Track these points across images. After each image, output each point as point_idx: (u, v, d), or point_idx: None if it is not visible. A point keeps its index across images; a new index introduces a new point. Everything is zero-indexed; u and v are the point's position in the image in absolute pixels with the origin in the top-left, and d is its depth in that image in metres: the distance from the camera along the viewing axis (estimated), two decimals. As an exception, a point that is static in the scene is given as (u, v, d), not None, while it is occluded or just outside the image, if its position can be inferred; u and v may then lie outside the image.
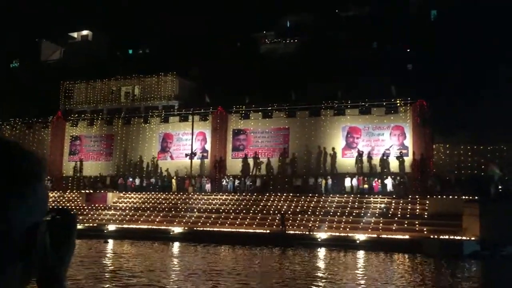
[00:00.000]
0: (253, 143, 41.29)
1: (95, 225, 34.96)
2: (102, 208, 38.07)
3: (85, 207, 38.58)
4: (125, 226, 33.62)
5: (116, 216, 36.18)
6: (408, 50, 52.05)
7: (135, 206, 37.68)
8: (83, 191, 40.81)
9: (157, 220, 34.60)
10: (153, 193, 39.46)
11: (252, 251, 26.07)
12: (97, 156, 46.87)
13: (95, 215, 36.93)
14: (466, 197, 29.30)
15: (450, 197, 30.16)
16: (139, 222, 34.65)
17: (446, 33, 49.72)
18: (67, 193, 42.08)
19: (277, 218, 31.94)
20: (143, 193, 39.64)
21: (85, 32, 69.49)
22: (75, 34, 69.84)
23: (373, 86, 41.68)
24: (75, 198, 40.79)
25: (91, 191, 40.54)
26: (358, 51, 50.51)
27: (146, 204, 37.79)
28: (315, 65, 47.59)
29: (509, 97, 35.92)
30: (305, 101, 40.73)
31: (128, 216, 35.79)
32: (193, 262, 21.18)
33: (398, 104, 38.01)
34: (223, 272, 17.78)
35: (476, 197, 28.65)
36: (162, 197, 38.53)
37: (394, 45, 52.15)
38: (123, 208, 37.62)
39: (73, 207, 38.96)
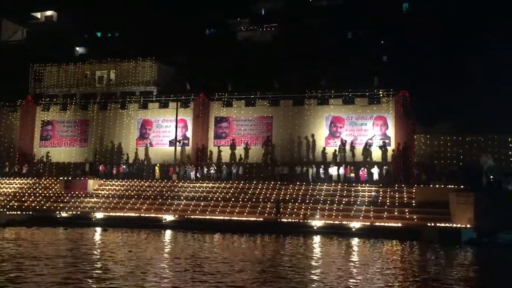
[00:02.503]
0: (235, 131, 41.22)
1: (78, 213, 34.13)
2: (83, 195, 37.08)
3: (65, 195, 37.51)
4: (113, 214, 32.95)
5: (100, 203, 35.35)
6: (382, 42, 53.10)
7: (118, 193, 36.92)
8: (61, 178, 39.52)
9: (144, 208, 34.09)
10: (135, 180, 38.75)
11: (248, 238, 26.09)
12: (70, 142, 45.54)
13: (77, 203, 35.99)
14: (452, 186, 30.54)
15: (437, 186, 31.28)
16: (125, 210, 34.03)
17: (418, 25, 51.01)
18: (42, 180, 40.65)
19: (268, 206, 32.22)
20: (125, 180, 38.87)
21: (49, 13, 66.83)
22: (38, 14, 67.01)
23: (350, 76, 42.52)
24: (52, 185, 39.50)
25: (70, 178, 39.33)
26: (334, 41, 51.22)
27: (130, 191, 37.09)
28: (293, 53, 47.80)
29: (486, 89, 37.46)
30: (288, 90, 40.96)
31: (113, 204, 35.04)
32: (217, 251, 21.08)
33: (381, 95, 38.84)
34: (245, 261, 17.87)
35: (462, 186, 29.92)
36: (146, 185, 37.94)
37: (368, 36, 53.10)
38: (105, 195, 36.79)
39: (51, 195, 37.89)
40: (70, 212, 34.15)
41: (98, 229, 28.83)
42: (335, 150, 37.74)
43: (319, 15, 56.16)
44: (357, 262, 18.39)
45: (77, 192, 37.57)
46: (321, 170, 35.86)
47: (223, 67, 45.92)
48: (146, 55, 47.63)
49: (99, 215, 32.72)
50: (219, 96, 42.18)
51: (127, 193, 36.76)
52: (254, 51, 49.38)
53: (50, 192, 38.51)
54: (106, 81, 48.12)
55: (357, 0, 57.72)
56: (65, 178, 39.45)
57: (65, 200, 36.67)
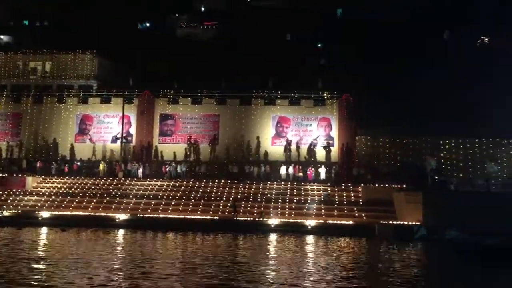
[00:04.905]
0: (181, 129, 40.97)
1: (19, 211, 32.38)
2: (22, 193, 35.21)
3: (0, 192, 35.37)
4: (60, 212, 31.61)
5: (42, 202, 33.76)
6: (320, 45, 54.97)
7: (60, 191, 35.44)
8: (-5, 175, 37.20)
9: (91, 206, 33.01)
10: (78, 178, 37.36)
11: (206, 237, 26.21)
12: (0, 136, 42.93)
13: (16, 201, 34.10)
14: (396, 186, 32.52)
15: (382, 185, 33.15)
16: (71, 208, 32.73)
17: (353, 30, 53.45)
18: (-28, 177, 38.00)
19: (221, 204, 32.51)
20: (67, 178, 37.37)
21: (-32, -3, 62.25)
22: (-45, -2, 62.22)
23: (294, 78, 43.76)
24: (-15, 182, 37.06)
25: (6, 175, 37.11)
26: (275, 43, 52.35)
27: (73, 189, 35.73)
28: (237, 53, 48.35)
29: (421, 94, 40.03)
30: (234, 89, 41.36)
31: (56, 202, 33.59)
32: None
33: (326, 97, 40.33)
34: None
35: (405, 186, 31.96)
36: (90, 182, 36.71)
37: (306, 39, 54.76)
38: (47, 193, 35.16)
39: (-15, 192, 35.61)
40: (11, 211, 32.30)
41: (45, 229, 27.57)
42: (284, 150, 38.69)
43: (258, 15, 57.12)
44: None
45: (14, 190, 35.60)
46: (277, 169, 36.58)
47: (166, 63, 45.43)
48: (82, 47, 45.99)
49: (45, 214, 31.25)
50: (164, 93, 41.68)
51: (70, 191, 35.38)
52: (197, 48, 49.25)
53: (-17, 189, 36.14)
54: (41, 73, 45.83)
55: (294, 3, 59.47)
56: (0, 175, 37.15)
57: (2, 198, 34.60)
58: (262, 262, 18.22)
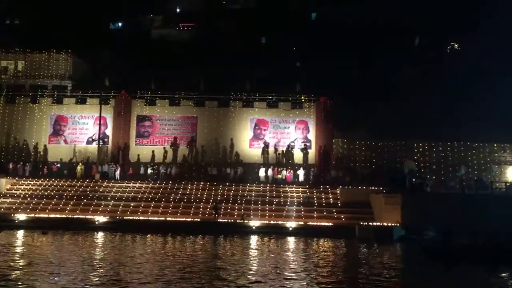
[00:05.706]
0: (159, 130, 40.76)
1: (-7, 214, 31.60)
2: (-5, 195, 34.41)
3: (-28, 194, 34.51)
4: (37, 215, 31.01)
5: (17, 204, 33.08)
6: (295, 48, 55.38)
7: (36, 193, 34.75)
8: (-33, 176, 36.18)
9: (68, 208, 32.52)
10: (53, 179, 36.71)
11: (188, 240, 26.19)
12: (-29, 137, 41.79)
13: (-11, 204, 33.30)
14: (373, 188, 33.19)
15: (359, 187, 33.78)
16: (47, 210, 32.19)
17: (327, 34, 54.08)
18: None
19: (201, 207, 32.53)
20: (42, 179, 36.68)
21: None
22: None
23: (271, 81, 44.07)
24: (-44, 184, 36.04)
25: (-22, 177, 36.18)
26: (251, 45, 52.53)
27: (49, 191, 35.08)
28: (214, 55, 48.26)
29: (396, 99, 40.94)
30: (212, 91, 41.39)
31: (32, 205, 32.95)
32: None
33: (303, 100, 40.81)
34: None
35: (381, 188, 32.65)
36: (67, 184, 36.11)
37: (281, 42, 55.09)
38: (21, 195, 34.45)
39: (-44, 194, 34.63)
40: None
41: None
42: (261, 152, 38.96)
43: (233, 18, 57.15)
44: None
45: (-14, 192, 34.76)
46: (255, 171, 36.78)
47: (143, 64, 45.01)
48: (57, 47, 45.22)
49: (21, 216, 30.60)
50: (141, 94, 41.40)
51: (46, 193, 34.74)
52: (174, 49, 49.01)
53: (-46, 191, 35.16)
54: (13, 72, 44.81)
55: (270, 6, 59.68)
56: (-28, 176, 36.19)
57: (-25, 200, 33.73)
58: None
